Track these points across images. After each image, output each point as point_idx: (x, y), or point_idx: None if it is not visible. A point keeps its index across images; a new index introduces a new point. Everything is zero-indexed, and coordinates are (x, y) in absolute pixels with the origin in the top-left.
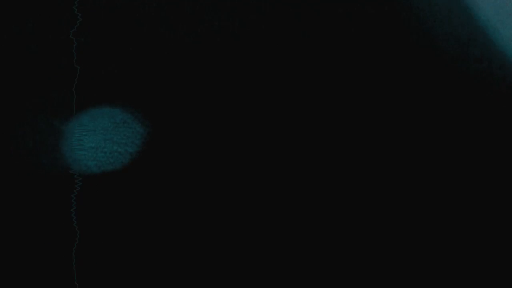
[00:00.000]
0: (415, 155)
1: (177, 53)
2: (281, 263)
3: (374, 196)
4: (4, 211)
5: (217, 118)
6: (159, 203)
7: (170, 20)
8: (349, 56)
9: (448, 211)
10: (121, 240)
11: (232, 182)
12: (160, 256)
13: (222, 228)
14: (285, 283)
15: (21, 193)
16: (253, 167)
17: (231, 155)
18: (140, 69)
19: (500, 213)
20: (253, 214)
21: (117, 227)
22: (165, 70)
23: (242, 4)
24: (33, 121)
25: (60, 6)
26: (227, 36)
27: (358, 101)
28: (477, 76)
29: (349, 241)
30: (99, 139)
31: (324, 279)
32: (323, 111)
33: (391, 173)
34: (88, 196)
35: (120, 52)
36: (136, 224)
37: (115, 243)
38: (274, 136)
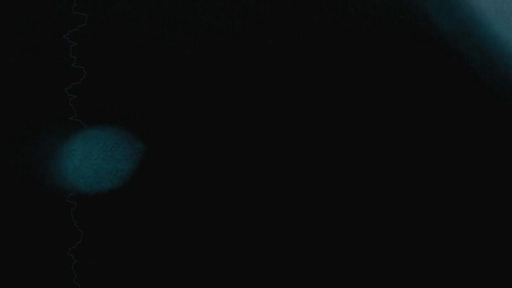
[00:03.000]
0: (416, 155)
1: (177, 54)
2: (282, 264)
3: (376, 196)
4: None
5: (218, 120)
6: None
7: (170, 20)
8: (349, 57)
9: (448, 212)
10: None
11: (234, 186)
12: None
13: (220, 240)
14: (285, 283)
15: (17, 207)
16: (253, 171)
17: (232, 156)
18: (139, 70)
19: (500, 214)
20: (252, 221)
21: (117, 242)
22: (164, 71)
23: (242, 5)
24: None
25: (60, 6)
26: (227, 36)
27: (359, 101)
28: (479, 79)
29: (349, 241)
30: (98, 158)
31: (324, 279)
32: (324, 111)
33: (393, 173)
34: (87, 214)
35: (120, 53)
36: (137, 239)
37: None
38: (276, 138)
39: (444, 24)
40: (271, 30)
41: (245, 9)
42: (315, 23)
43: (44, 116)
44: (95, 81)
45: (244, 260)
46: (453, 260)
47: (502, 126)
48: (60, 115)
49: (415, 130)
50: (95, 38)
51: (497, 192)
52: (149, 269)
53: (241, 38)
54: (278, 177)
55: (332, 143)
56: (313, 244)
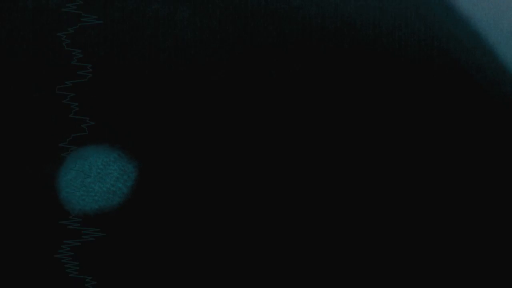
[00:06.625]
0: (412, 157)
1: (177, 54)
2: (283, 266)
3: (375, 198)
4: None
5: (217, 121)
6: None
7: (170, 23)
8: (349, 58)
9: (449, 213)
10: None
11: (234, 190)
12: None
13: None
14: (286, 284)
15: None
16: (253, 173)
17: (235, 158)
18: (139, 71)
19: (500, 215)
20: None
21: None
22: (164, 71)
23: (242, 6)
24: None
25: (59, 7)
26: (227, 36)
27: (358, 103)
28: (482, 83)
29: (349, 242)
30: (92, 178)
31: (324, 279)
32: (324, 112)
33: (392, 173)
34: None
35: (119, 53)
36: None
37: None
38: (277, 139)
39: (440, 26)
40: (271, 30)
41: (245, 9)
42: (315, 24)
43: (44, 116)
44: (94, 81)
45: (244, 264)
46: (453, 261)
47: (496, 128)
48: (59, 116)
49: (410, 131)
50: (94, 38)
51: (494, 193)
52: (148, 274)
53: (241, 38)
54: (276, 181)
55: (331, 143)
56: (313, 245)
